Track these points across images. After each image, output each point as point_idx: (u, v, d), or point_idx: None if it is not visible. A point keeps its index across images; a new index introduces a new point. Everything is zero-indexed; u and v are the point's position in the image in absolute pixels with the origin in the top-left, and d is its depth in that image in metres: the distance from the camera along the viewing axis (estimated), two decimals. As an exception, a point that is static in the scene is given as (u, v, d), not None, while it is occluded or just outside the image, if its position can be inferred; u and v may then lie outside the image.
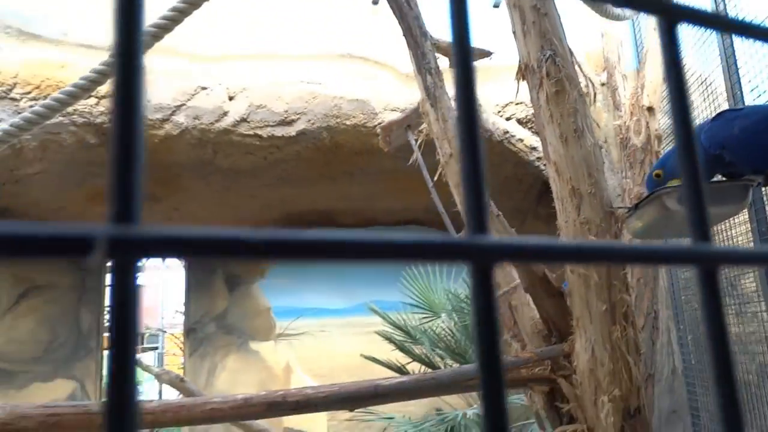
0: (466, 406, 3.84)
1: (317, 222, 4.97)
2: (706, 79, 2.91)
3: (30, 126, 2.05)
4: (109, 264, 0.18)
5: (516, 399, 3.29)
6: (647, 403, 1.96)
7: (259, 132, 3.72)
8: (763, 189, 2.31)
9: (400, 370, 3.88)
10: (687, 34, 2.94)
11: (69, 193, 4.10)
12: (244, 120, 3.68)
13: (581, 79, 2.04)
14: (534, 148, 3.53)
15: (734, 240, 2.70)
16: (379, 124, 3.47)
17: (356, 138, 3.86)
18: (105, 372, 0.18)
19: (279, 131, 3.74)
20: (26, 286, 4.69)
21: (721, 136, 1.63)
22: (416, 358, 4.05)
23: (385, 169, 4.04)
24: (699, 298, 0.26)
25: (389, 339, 4.17)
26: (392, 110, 3.77)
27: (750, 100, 2.51)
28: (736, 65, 2.60)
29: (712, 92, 2.84)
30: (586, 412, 1.87)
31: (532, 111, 2.89)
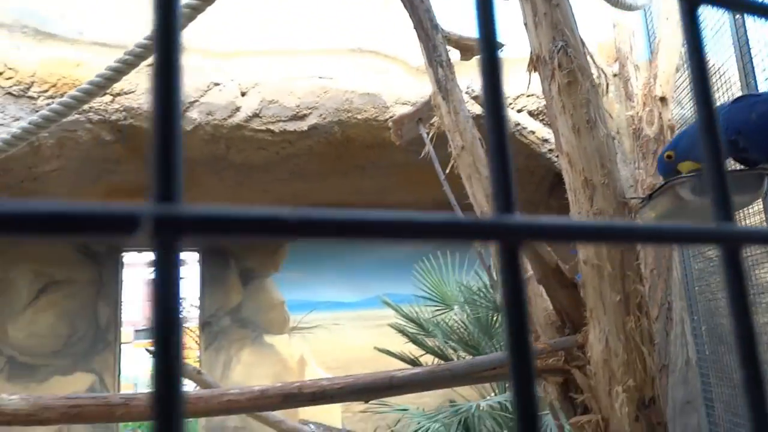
0: (479, 397, 3.85)
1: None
2: (719, 68, 2.88)
3: (48, 123, 2.08)
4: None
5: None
6: (661, 393, 1.95)
7: (271, 127, 3.74)
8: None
9: (414, 362, 3.89)
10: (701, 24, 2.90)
11: (85, 189, 4.15)
12: (256, 115, 3.70)
13: (593, 70, 2.03)
14: (546, 140, 3.51)
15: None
16: (391, 117, 3.47)
17: (367, 132, 3.87)
18: (151, 349, 0.18)
19: (291, 126, 3.75)
20: (45, 281, 4.77)
21: (738, 120, 1.61)
22: (429, 350, 4.06)
23: (396, 162, 4.04)
24: (723, 278, 0.27)
25: (402, 332, 4.18)
26: (403, 104, 3.77)
27: (764, 89, 2.48)
28: (750, 54, 2.57)
29: (725, 82, 2.81)
30: (600, 403, 1.87)
31: (543, 103, 2.88)
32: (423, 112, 2.81)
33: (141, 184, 4.00)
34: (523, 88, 3.60)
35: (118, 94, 3.48)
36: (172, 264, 0.18)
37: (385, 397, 3.02)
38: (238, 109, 3.70)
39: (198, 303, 5.37)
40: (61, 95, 2.82)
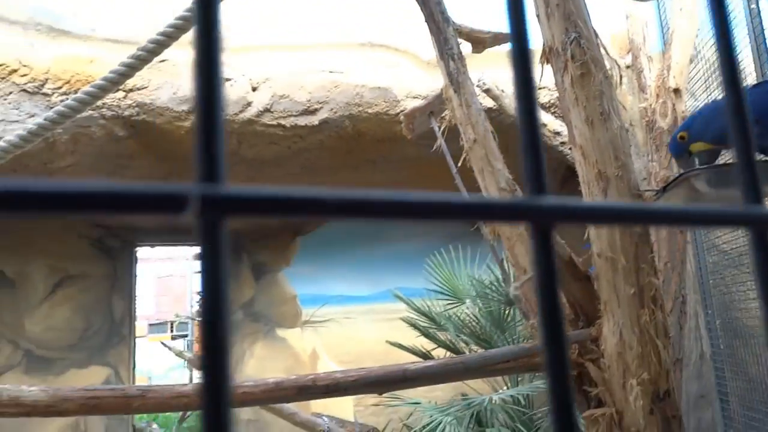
0: (491, 391, 3.85)
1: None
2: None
3: (62, 120, 2.10)
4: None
5: (544, 384, 3.28)
6: (675, 387, 1.94)
7: (282, 122, 3.75)
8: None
9: (425, 356, 3.90)
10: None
11: (98, 185, 4.19)
12: (267, 110, 3.71)
13: (606, 62, 2.01)
14: (558, 133, 3.50)
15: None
16: (401, 111, 3.47)
17: (378, 126, 3.87)
18: (200, 330, 0.19)
19: (302, 120, 3.76)
20: (61, 276, 4.84)
21: (756, 105, 1.58)
22: (441, 344, 4.07)
23: (407, 156, 4.04)
24: (751, 261, 0.27)
25: (414, 325, 4.19)
26: (414, 97, 3.77)
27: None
28: (766, 45, 2.54)
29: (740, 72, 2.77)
30: (615, 396, 1.87)
31: (555, 95, 2.86)
32: (434, 106, 2.81)
33: (154, 179, 4.03)
34: (534, 80, 3.57)
35: (131, 90, 3.51)
36: (219, 242, 0.19)
37: (398, 390, 3.03)
38: (249, 104, 3.71)
39: (211, 297, 5.41)
40: (75, 92, 2.85)
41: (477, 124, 2.24)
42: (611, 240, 1.80)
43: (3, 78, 3.38)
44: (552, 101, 3.78)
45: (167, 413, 6.52)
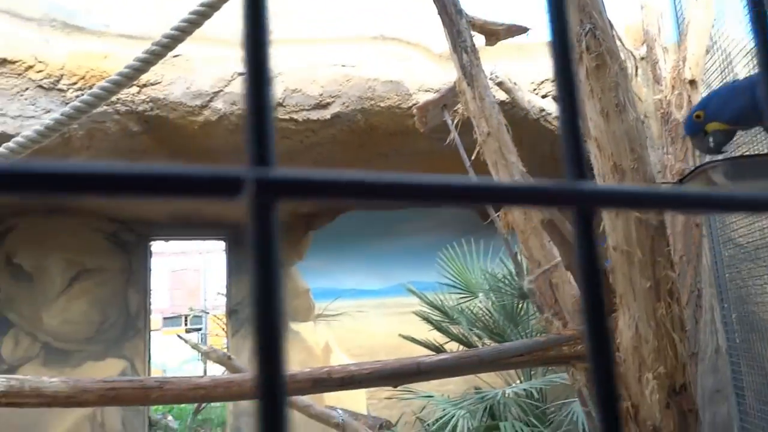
0: (504, 385, 3.85)
1: (352, 204, 5.02)
2: (751, 49, 2.81)
3: (78, 115, 2.12)
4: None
5: (557, 377, 3.28)
6: (692, 381, 1.93)
7: (294, 116, 3.76)
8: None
9: (438, 349, 3.91)
10: (732, 4, 2.83)
11: (113, 180, 4.23)
12: (279, 104, 3.72)
13: (621, 53, 1.99)
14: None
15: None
16: (414, 105, 3.46)
17: (391, 120, 3.86)
18: (252, 317, 0.19)
19: (314, 115, 3.77)
20: (78, 270, 4.90)
21: None
22: (454, 337, 4.07)
23: (419, 150, 4.04)
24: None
25: (426, 319, 4.19)
26: (426, 91, 3.76)
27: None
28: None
29: (753, 57, 2.74)
30: (630, 390, 1.86)
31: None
32: (447, 99, 2.80)
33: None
34: (547, 73, 3.56)
35: (145, 86, 3.53)
36: (272, 226, 0.19)
37: (412, 383, 3.04)
38: (261, 98, 3.72)
39: (225, 291, 5.46)
40: (90, 87, 2.87)
41: (491, 117, 2.23)
42: (627, 233, 1.79)
43: (19, 74, 3.42)
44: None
45: (182, 405, 6.60)
